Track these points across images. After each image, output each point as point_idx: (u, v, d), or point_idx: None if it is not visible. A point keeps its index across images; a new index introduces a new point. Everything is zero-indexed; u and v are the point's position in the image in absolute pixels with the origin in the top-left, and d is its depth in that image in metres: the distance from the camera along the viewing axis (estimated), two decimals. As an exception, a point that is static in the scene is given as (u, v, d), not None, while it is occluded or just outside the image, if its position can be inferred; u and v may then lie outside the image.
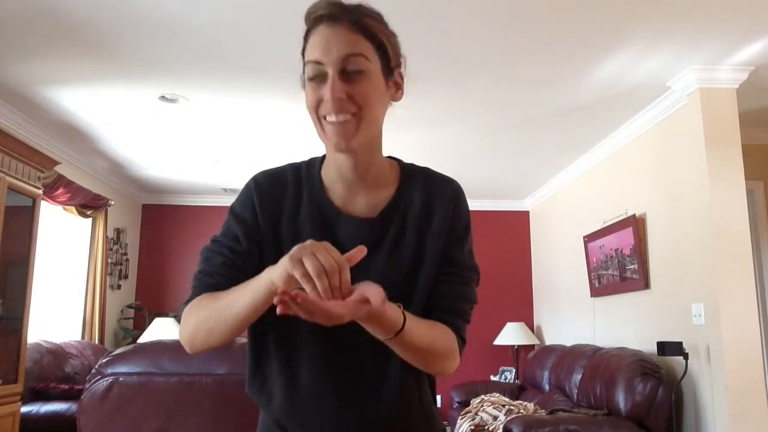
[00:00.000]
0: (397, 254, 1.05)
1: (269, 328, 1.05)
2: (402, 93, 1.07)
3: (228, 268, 1.02)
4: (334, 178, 1.08)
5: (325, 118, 0.97)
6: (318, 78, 0.97)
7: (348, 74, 0.95)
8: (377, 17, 1.01)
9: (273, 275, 0.86)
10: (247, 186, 1.10)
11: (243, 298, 0.91)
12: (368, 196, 1.08)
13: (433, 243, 1.07)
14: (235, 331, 0.95)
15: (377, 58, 0.99)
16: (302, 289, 0.80)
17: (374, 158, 1.07)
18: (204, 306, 0.97)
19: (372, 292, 0.82)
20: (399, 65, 1.05)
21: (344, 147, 0.98)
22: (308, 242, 0.82)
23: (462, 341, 1.07)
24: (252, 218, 1.07)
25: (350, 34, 0.96)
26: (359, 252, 0.85)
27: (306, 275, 0.79)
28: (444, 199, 1.09)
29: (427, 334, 0.98)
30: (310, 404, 1.04)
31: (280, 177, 1.10)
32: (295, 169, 1.12)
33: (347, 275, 0.81)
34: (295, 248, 0.82)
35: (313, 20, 0.98)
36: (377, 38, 0.98)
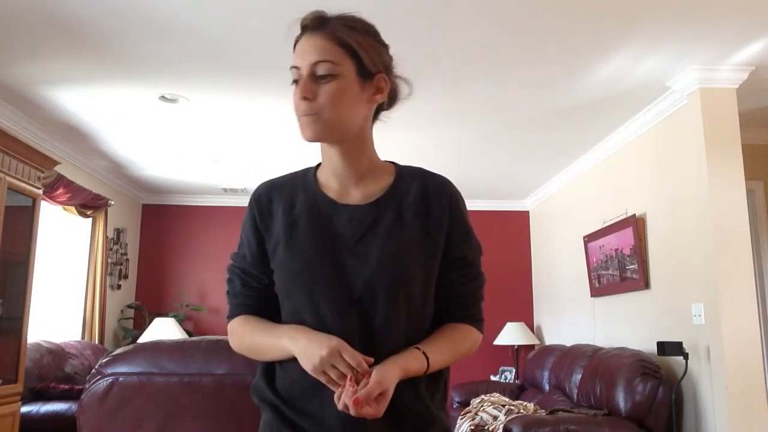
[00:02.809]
0: (395, 236, 1.10)
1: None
2: (382, 96, 1.13)
3: (245, 288, 1.18)
4: (328, 174, 1.16)
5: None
6: (297, 82, 1.10)
7: (318, 77, 1.07)
8: (354, 26, 1.10)
9: (291, 351, 1.05)
10: (249, 199, 1.21)
11: (270, 353, 1.11)
12: (363, 188, 1.15)
13: (432, 230, 1.13)
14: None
15: (351, 64, 1.08)
16: None
17: (362, 149, 1.15)
18: (243, 337, 1.16)
19: (385, 380, 0.98)
20: (381, 71, 1.12)
21: (308, 136, 1.09)
22: (324, 353, 0.98)
23: (481, 323, 1.20)
24: (253, 227, 1.17)
25: (323, 42, 1.07)
26: (368, 360, 1.01)
27: (332, 381, 0.99)
28: (441, 194, 1.16)
29: (449, 353, 1.11)
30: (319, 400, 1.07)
31: (277, 183, 1.20)
32: (293, 175, 1.22)
33: (364, 366, 0.99)
34: (315, 357, 0.99)
35: (300, 30, 1.12)
36: (349, 46, 1.08)
